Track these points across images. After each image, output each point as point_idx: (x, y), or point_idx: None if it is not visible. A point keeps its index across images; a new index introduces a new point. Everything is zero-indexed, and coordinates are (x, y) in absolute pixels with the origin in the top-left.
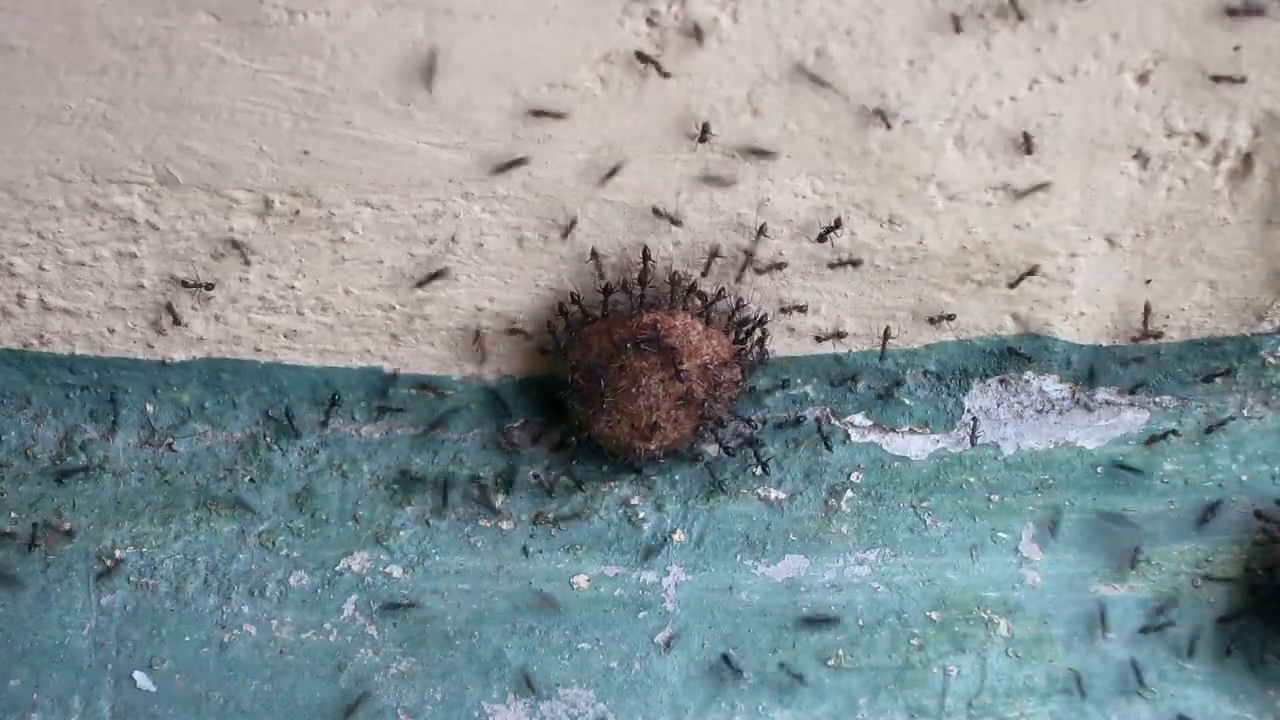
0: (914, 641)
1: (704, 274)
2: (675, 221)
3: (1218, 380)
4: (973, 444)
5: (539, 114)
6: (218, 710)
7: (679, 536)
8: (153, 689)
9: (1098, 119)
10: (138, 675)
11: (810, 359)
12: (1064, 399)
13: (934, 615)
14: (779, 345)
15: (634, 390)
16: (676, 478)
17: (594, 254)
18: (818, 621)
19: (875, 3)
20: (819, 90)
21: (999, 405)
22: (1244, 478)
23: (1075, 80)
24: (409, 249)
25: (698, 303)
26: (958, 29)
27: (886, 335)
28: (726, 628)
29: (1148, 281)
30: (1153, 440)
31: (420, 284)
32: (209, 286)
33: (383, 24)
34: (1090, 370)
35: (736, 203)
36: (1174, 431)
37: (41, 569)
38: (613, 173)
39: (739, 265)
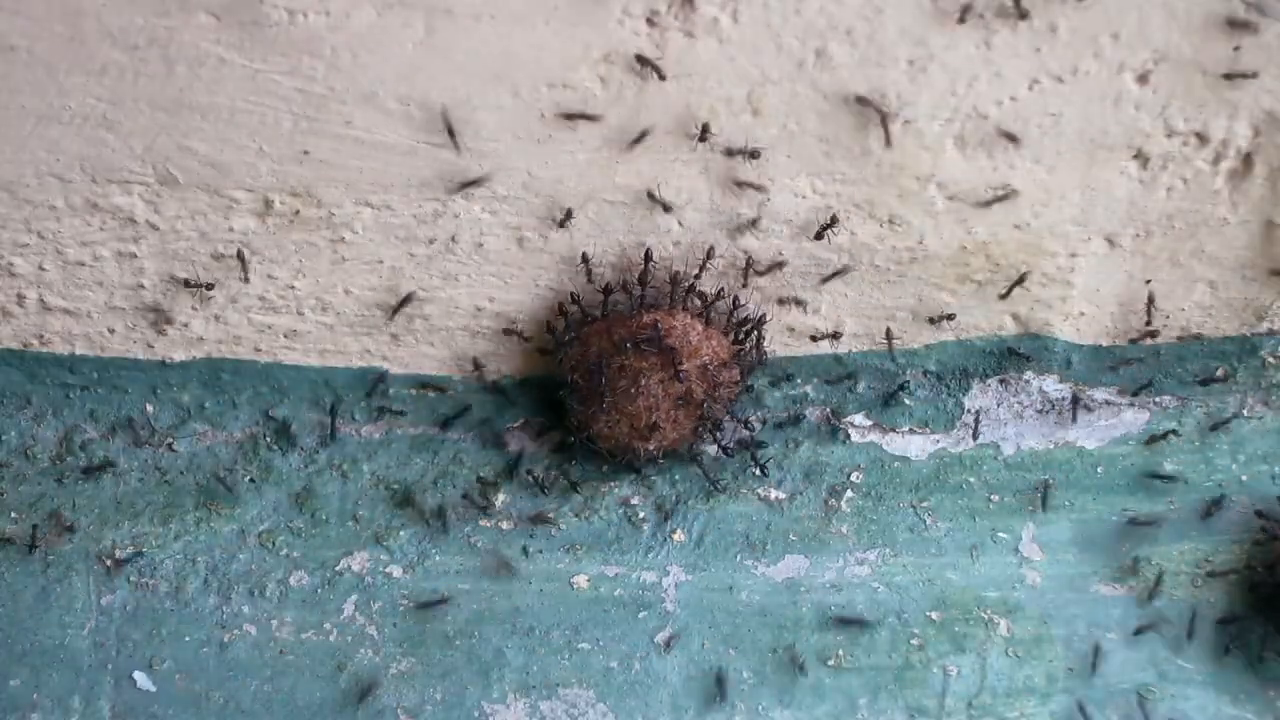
0: (914, 641)
1: (699, 274)
2: (666, 208)
3: (1218, 380)
4: (975, 439)
5: (570, 117)
6: (218, 710)
7: (679, 536)
8: (153, 689)
9: (1098, 119)
10: (138, 675)
11: (810, 359)
12: (1064, 399)
13: (934, 615)
14: (779, 345)
15: (633, 390)
16: (676, 478)
17: (584, 257)
18: (849, 623)
19: (875, 3)
20: (819, 90)
21: (999, 405)
22: (1244, 478)
23: (1075, 80)
24: (409, 249)
25: (697, 303)
26: (962, 19)
27: (889, 336)
28: (726, 628)
29: (1148, 282)
30: (1153, 440)
31: (391, 314)
32: (209, 286)
33: (383, 24)
34: (1089, 374)
35: (736, 202)
36: (1174, 431)
37: (41, 569)
38: (640, 138)
39: (740, 265)
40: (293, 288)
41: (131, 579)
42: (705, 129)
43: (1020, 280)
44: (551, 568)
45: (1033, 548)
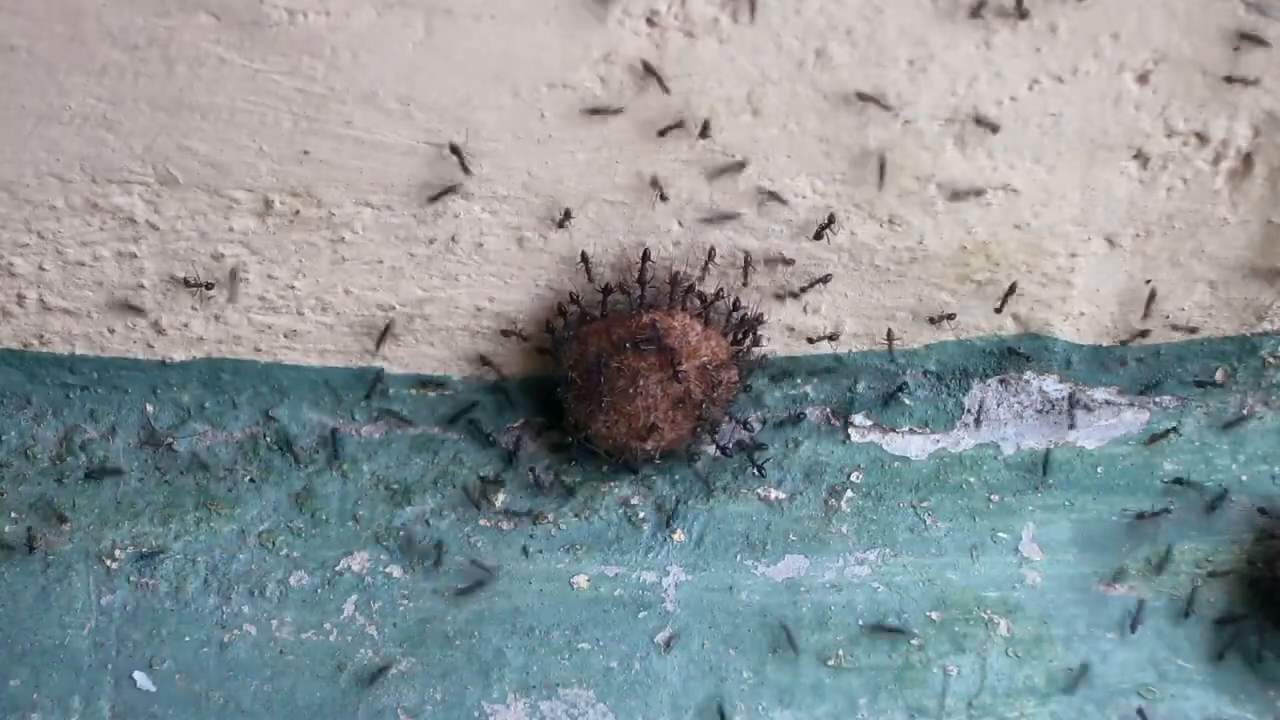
0: (914, 641)
1: (702, 275)
2: (663, 196)
3: (1217, 380)
4: (977, 426)
5: (594, 112)
6: (218, 710)
7: (679, 536)
8: (153, 689)
9: (1098, 119)
10: (138, 675)
11: (810, 359)
12: (1064, 399)
13: (934, 615)
14: (779, 345)
15: (631, 390)
16: (676, 478)
17: (584, 257)
18: (888, 631)
19: (875, 3)
20: (819, 90)
21: (999, 405)
22: (1244, 478)
23: (1075, 80)
24: (409, 249)
25: (697, 303)
26: (976, 13)
27: (890, 337)
28: (726, 628)
29: (1148, 282)
30: (1153, 440)
31: (376, 345)
32: (209, 286)
33: (383, 24)
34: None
35: (736, 203)
36: (1174, 429)
37: (41, 569)
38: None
39: (739, 265)
40: (293, 288)
41: (131, 579)
42: (705, 127)
43: (1011, 291)
44: (551, 568)
45: (1033, 548)
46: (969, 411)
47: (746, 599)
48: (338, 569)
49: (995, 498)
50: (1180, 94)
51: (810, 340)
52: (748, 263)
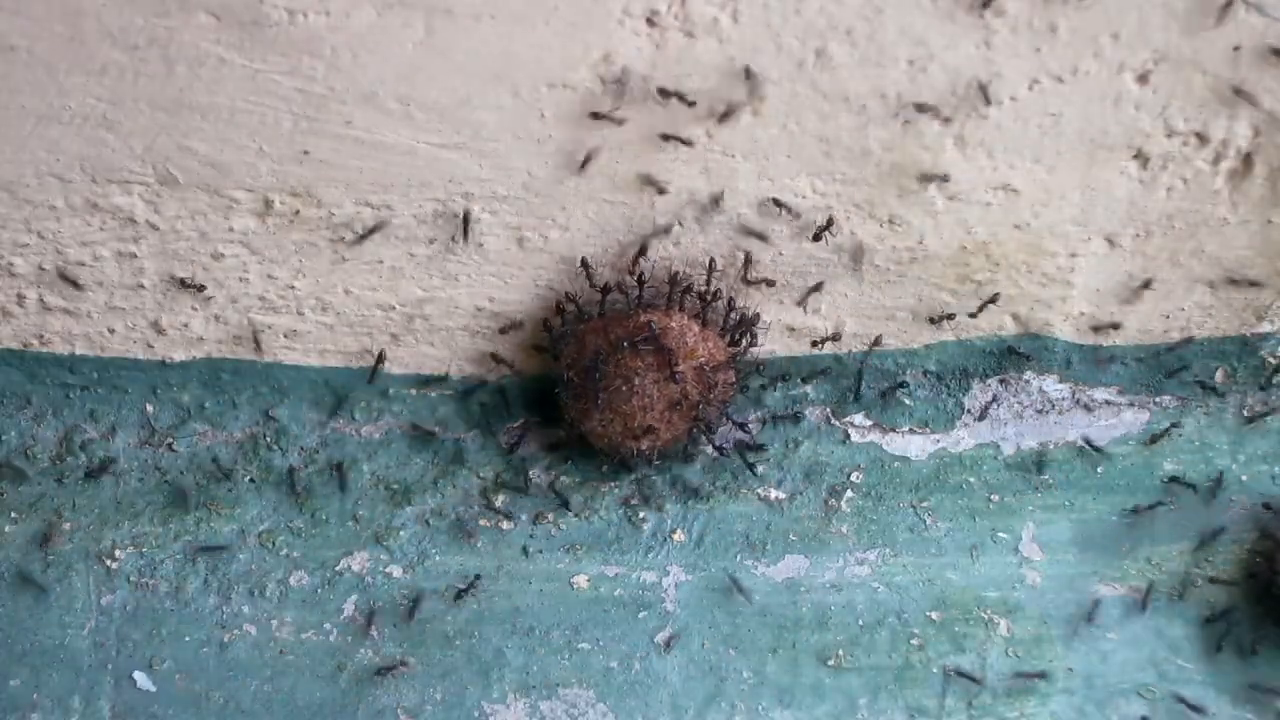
0: (914, 641)
1: (708, 280)
2: (661, 190)
3: (1217, 380)
4: (983, 418)
5: (597, 116)
6: (218, 710)
7: (679, 536)
8: (153, 689)
9: (1098, 119)
10: (138, 675)
11: (810, 359)
12: (1064, 399)
13: (934, 615)
14: (779, 345)
15: (628, 390)
16: (676, 478)
17: (584, 262)
18: (963, 677)
19: (875, 3)
20: (818, 90)
21: (999, 405)
22: (1244, 478)
23: (1075, 80)
24: (409, 249)
25: (696, 303)
26: (986, 5)
27: (876, 342)
28: (726, 628)
29: (1148, 281)
30: (1153, 440)
31: (370, 376)
32: (200, 288)
33: (383, 24)
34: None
35: (736, 203)
36: (1175, 425)
37: (41, 569)
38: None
39: (739, 265)
40: (293, 288)
41: (131, 579)
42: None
43: (992, 300)
44: (551, 568)
45: (1033, 548)
46: (969, 411)
47: (746, 599)
48: (338, 569)
49: (995, 498)
50: (1180, 94)
51: (814, 344)
52: (747, 263)
